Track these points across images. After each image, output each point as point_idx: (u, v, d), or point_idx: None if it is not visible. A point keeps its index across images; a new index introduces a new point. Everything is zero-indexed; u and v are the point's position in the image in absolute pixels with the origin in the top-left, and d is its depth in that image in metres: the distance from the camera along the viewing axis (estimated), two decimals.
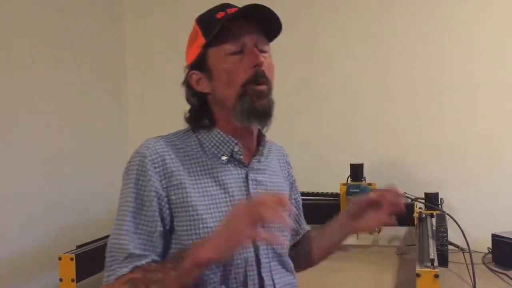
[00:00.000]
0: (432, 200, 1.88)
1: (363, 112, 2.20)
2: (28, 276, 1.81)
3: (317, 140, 2.25)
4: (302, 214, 1.29)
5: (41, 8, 1.92)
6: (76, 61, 2.10)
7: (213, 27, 0.97)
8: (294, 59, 2.28)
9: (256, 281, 0.99)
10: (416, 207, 1.90)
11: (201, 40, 1.00)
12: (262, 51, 1.02)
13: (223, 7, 1.01)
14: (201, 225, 0.95)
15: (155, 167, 0.96)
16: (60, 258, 1.50)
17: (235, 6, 1.02)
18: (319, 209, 2.08)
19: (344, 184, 1.95)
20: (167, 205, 0.96)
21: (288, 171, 1.24)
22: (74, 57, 2.09)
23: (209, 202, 0.98)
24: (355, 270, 1.74)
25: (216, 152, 1.02)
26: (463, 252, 1.87)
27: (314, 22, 2.25)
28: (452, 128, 2.09)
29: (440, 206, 1.89)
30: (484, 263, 1.78)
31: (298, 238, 1.25)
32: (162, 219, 0.96)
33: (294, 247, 1.23)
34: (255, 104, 0.98)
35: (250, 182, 1.03)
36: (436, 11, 2.09)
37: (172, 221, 0.97)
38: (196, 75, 1.02)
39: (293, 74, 2.27)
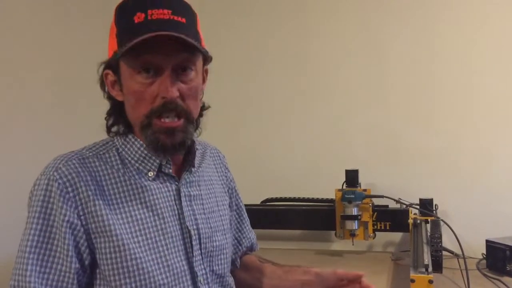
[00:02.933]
0: (426, 206, 1.89)
1: (358, 118, 2.21)
2: None
3: (312, 146, 2.26)
4: (246, 220, 1.18)
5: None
6: (68, 55, 2.11)
7: (127, 36, 0.82)
8: (287, 65, 2.29)
9: None
10: (411, 213, 1.91)
11: (114, 44, 0.86)
12: (185, 70, 0.87)
13: (145, 5, 0.83)
14: (128, 257, 0.82)
15: (66, 192, 0.82)
16: None
17: (160, 6, 0.84)
18: (314, 215, 2.09)
19: (339, 190, 1.95)
20: (84, 236, 0.82)
21: (226, 175, 1.13)
22: (61, 46, 2.09)
23: (136, 228, 0.84)
24: None
25: (141, 167, 0.89)
26: (457, 258, 1.88)
27: (307, 27, 2.27)
28: (446, 135, 2.10)
29: (434, 212, 1.90)
30: (478, 269, 1.79)
31: (242, 249, 1.14)
32: (79, 254, 0.82)
33: (236, 264, 1.12)
34: (161, 140, 0.85)
35: (182, 198, 0.92)
36: (431, 17, 2.11)
37: (93, 253, 0.83)
38: (111, 76, 0.90)
39: (287, 80, 2.29)
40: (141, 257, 0.83)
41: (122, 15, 0.86)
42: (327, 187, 2.05)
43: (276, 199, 2.17)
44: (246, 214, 1.17)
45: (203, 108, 0.99)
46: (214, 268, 0.94)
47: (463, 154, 2.07)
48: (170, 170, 0.92)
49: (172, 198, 0.91)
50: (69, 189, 0.82)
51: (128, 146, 0.90)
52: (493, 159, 2.04)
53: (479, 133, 2.06)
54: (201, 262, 0.91)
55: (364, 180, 1.99)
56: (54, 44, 2.03)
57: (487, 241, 1.79)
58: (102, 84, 0.92)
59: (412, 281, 1.20)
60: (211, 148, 1.12)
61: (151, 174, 0.89)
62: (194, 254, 0.90)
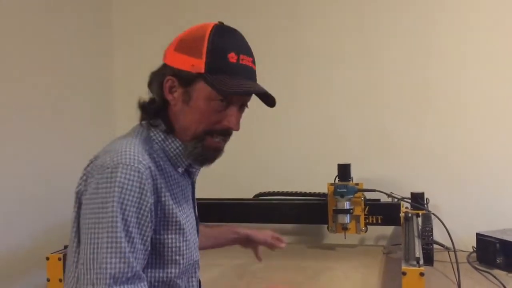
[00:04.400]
0: (418, 199, 1.91)
1: (351, 113, 2.22)
2: (15, 276, 1.80)
3: (305, 140, 2.27)
4: None
5: None
6: (61, 52, 2.10)
7: (222, 72, 0.95)
8: (281, 58, 2.29)
9: (195, 283, 1.09)
10: (403, 206, 1.92)
11: (200, 66, 0.96)
12: (244, 105, 1.05)
13: (238, 48, 0.98)
14: (182, 238, 0.99)
15: (148, 183, 0.93)
16: (47, 258, 1.50)
17: (247, 54, 1.00)
18: (306, 209, 2.09)
19: (331, 184, 1.96)
20: (154, 221, 0.95)
21: None
22: (59, 47, 2.09)
23: (184, 215, 1.01)
24: (342, 270, 1.75)
25: (174, 163, 1.03)
26: (448, 251, 1.89)
27: (300, 20, 2.27)
28: (438, 129, 2.11)
29: (426, 205, 1.91)
30: (468, 262, 1.81)
31: None
32: (150, 236, 0.95)
33: None
34: (207, 155, 1.02)
35: (194, 192, 1.13)
36: (425, 14, 2.12)
37: (153, 235, 0.96)
38: (172, 82, 0.99)
39: (279, 74, 2.28)
40: (188, 238, 1.01)
41: (216, 46, 0.96)
42: (320, 181, 2.06)
43: (269, 193, 2.17)
44: None
45: None
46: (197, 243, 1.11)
47: (455, 149, 2.09)
48: (194, 169, 1.08)
49: (190, 190, 1.09)
50: (149, 180, 0.93)
51: (168, 142, 1.02)
52: (484, 154, 2.06)
53: (470, 129, 2.08)
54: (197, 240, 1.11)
55: (356, 174, 2.00)
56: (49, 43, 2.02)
57: (477, 234, 1.81)
58: (160, 85, 1.00)
59: (404, 273, 1.21)
60: None
61: (180, 170, 1.03)
62: (198, 237, 1.11)
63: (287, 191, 2.15)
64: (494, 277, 1.63)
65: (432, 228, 1.75)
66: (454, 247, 1.68)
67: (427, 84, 2.13)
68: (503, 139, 2.05)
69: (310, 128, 2.26)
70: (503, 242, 1.70)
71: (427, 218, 1.81)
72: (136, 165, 0.91)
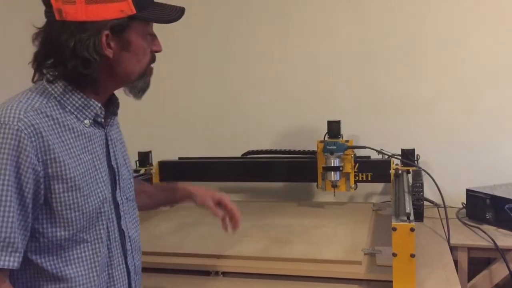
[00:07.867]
0: (408, 156, 1.89)
1: (340, 69, 2.17)
2: None
3: (294, 97, 2.22)
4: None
5: None
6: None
7: (146, 3, 1.00)
8: (269, 15, 2.23)
9: (117, 234, 1.07)
10: (393, 163, 1.90)
11: (129, 8, 0.97)
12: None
13: None
14: (79, 194, 0.97)
15: (31, 141, 0.91)
16: None
17: None
18: (296, 167, 2.07)
19: (321, 142, 1.93)
20: (42, 179, 0.93)
21: (118, 123, 1.26)
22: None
23: (83, 170, 0.99)
24: (332, 226, 1.74)
25: (78, 116, 1.00)
26: (437, 208, 1.90)
27: None
28: (428, 86, 2.08)
29: (416, 162, 1.90)
30: (458, 218, 1.81)
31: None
32: (36, 197, 0.93)
33: None
34: (148, 81, 1.08)
35: (109, 142, 1.09)
36: None
37: (45, 195, 0.94)
38: (108, 36, 0.97)
39: (269, 30, 2.22)
40: (87, 194, 0.99)
41: None
42: (309, 138, 2.03)
43: (258, 152, 2.14)
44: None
45: None
46: (128, 196, 1.13)
47: (445, 105, 2.07)
48: (103, 120, 1.05)
49: (103, 142, 1.07)
50: (33, 138, 0.91)
51: (67, 96, 0.99)
52: (474, 110, 2.04)
53: (461, 85, 2.05)
54: (119, 192, 1.10)
55: (346, 132, 1.97)
56: None
57: (467, 190, 1.80)
58: (94, 43, 0.96)
59: (394, 229, 1.20)
60: None
61: (87, 122, 1.02)
62: (116, 188, 1.09)
63: (276, 149, 2.12)
64: (484, 232, 1.63)
65: (422, 184, 1.74)
66: (444, 203, 1.68)
67: (419, 41, 2.07)
68: (493, 95, 2.02)
69: (300, 85, 2.22)
70: (493, 197, 1.70)
71: (417, 175, 1.80)
72: (15, 123, 0.90)
